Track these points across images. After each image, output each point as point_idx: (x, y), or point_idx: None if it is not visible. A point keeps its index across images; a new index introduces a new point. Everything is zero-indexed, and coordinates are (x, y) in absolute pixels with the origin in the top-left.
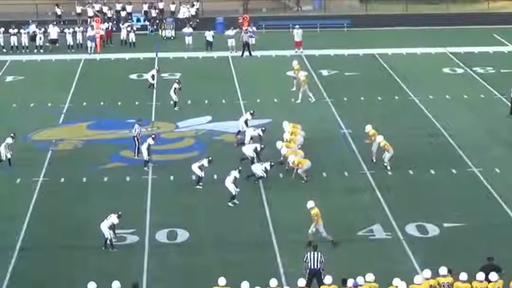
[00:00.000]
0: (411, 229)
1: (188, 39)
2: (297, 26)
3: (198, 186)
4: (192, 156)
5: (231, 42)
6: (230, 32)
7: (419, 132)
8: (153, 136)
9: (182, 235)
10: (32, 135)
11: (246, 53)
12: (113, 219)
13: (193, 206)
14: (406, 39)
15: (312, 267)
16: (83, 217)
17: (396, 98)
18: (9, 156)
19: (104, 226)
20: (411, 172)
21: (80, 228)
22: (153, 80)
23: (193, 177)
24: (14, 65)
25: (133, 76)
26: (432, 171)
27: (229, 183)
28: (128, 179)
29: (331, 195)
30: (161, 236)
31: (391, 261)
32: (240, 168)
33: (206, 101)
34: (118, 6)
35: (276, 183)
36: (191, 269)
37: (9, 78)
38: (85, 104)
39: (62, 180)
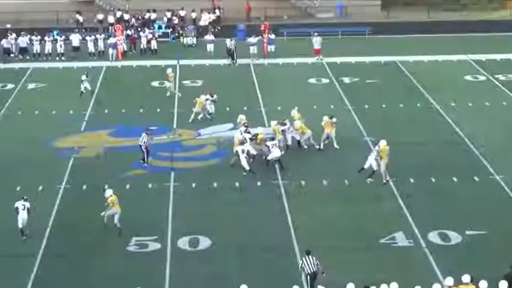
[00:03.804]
0: (433, 237)
1: (210, 47)
2: (315, 34)
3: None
4: (213, 164)
5: (253, 49)
6: (252, 40)
7: (441, 139)
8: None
9: (204, 242)
10: (54, 143)
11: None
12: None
13: (214, 213)
14: (428, 46)
15: (310, 271)
16: (105, 224)
17: (418, 105)
18: None
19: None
20: (433, 179)
21: (102, 235)
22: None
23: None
24: (36, 72)
25: (155, 83)
26: (455, 179)
27: (372, 159)
28: (150, 186)
29: (353, 203)
30: (183, 243)
31: (413, 269)
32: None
33: (228, 108)
34: (146, 14)
35: (297, 190)
36: (213, 276)
37: (31, 86)
38: (106, 111)
39: (84, 187)
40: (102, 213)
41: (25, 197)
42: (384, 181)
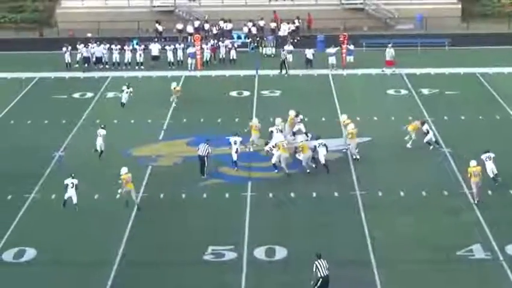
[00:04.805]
0: (511, 249)
1: (289, 57)
2: (389, 45)
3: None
4: (291, 174)
5: (332, 59)
6: (331, 50)
7: None
8: None
9: (281, 252)
10: (133, 151)
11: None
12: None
13: (291, 224)
14: (508, 57)
15: (324, 274)
16: (181, 233)
17: (497, 117)
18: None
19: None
20: (511, 192)
21: (178, 244)
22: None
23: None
24: (115, 81)
25: (233, 93)
26: None
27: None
28: (227, 195)
29: (430, 214)
30: (260, 253)
31: (490, 282)
32: None
33: (306, 119)
34: (221, 23)
35: (375, 202)
36: (288, 287)
37: (110, 95)
38: (185, 120)
39: (162, 196)
40: (119, 191)
41: (73, 175)
42: (475, 202)
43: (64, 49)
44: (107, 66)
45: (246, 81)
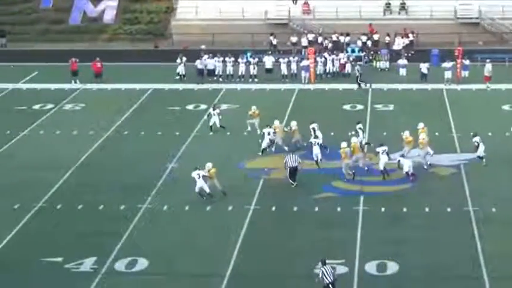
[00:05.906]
0: None
1: (403, 71)
2: (487, 60)
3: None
4: (404, 189)
5: (447, 74)
6: (447, 64)
7: None
8: None
9: (392, 268)
10: (246, 163)
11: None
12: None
13: (403, 239)
14: None
15: (330, 280)
16: (293, 246)
17: None
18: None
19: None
20: None
21: (289, 257)
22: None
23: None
24: (228, 94)
25: (347, 107)
26: None
27: None
28: (339, 209)
29: None
30: (371, 267)
31: None
32: None
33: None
34: (334, 37)
35: (488, 218)
36: None
37: (224, 107)
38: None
39: (273, 208)
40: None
41: (198, 167)
42: None
43: (178, 61)
44: (220, 79)
45: (360, 94)
